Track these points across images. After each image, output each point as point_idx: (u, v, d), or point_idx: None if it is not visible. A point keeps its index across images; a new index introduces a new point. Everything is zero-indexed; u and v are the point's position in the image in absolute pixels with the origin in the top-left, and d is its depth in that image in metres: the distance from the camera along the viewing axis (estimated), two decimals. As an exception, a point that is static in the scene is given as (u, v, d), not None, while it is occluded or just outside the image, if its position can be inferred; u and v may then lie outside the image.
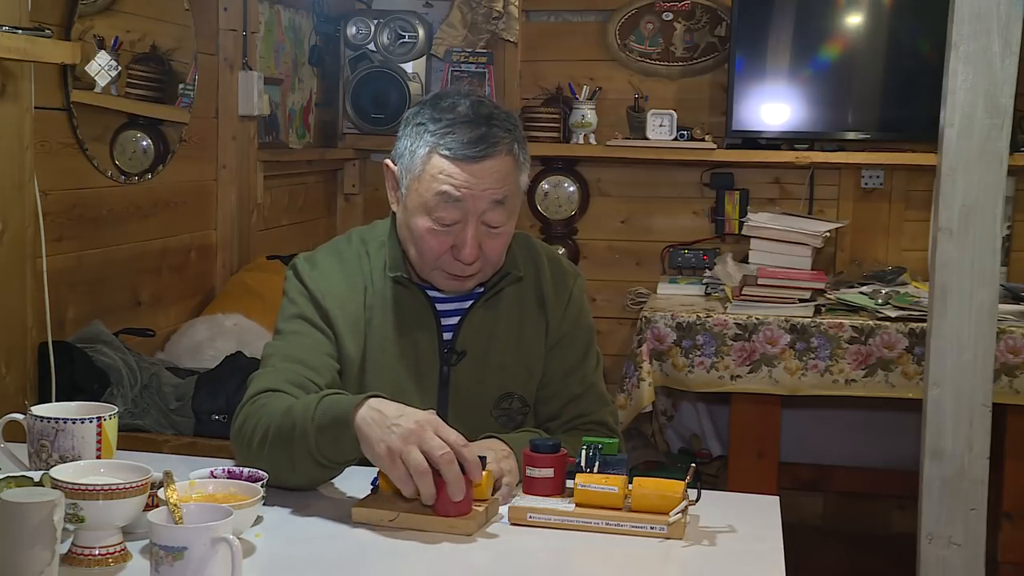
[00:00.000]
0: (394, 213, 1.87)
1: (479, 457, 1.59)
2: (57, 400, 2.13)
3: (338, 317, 1.83)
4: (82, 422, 1.58)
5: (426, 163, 1.75)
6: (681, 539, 1.53)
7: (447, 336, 1.86)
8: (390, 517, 1.55)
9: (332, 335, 1.83)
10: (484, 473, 1.58)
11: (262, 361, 1.85)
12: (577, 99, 3.97)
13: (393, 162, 1.83)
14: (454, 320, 1.87)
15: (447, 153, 1.73)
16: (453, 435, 1.53)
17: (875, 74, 3.85)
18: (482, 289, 1.87)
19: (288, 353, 1.80)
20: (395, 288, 1.86)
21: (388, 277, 1.86)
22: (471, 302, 1.87)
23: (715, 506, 1.64)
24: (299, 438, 1.61)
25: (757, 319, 3.31)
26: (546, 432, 1.89)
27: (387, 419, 1.54)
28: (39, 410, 1.62)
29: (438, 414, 1.64)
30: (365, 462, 1.60)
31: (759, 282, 3.38)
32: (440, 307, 1.87)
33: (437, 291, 1.86)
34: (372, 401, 1.57)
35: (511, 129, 1.78)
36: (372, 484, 1.63)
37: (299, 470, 1.64)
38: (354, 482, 1.73)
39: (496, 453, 1.69)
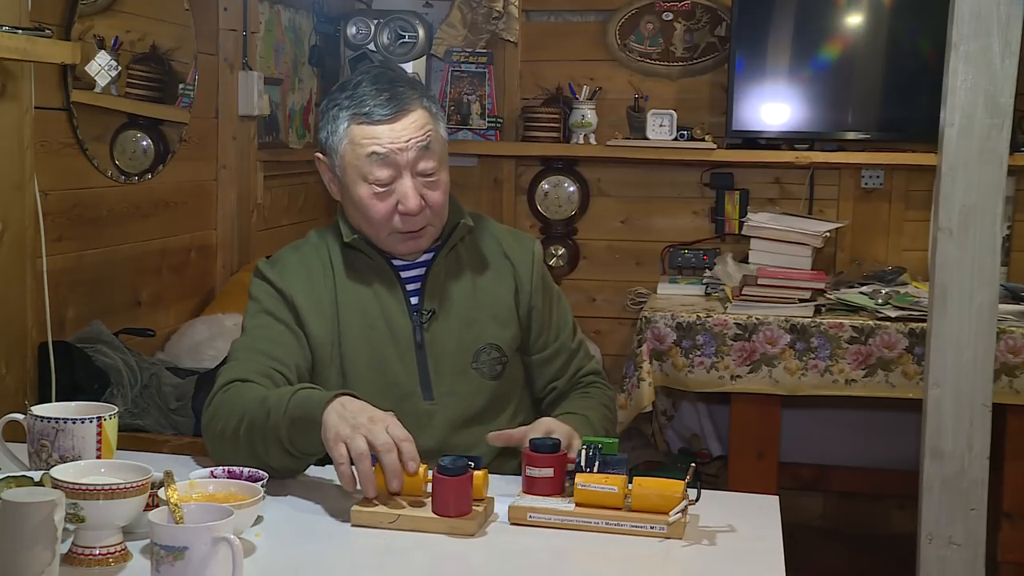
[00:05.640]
0: (340, 204, 1.96)
1: (473, 457, 1.59)
2: (57, 400, 2.13)
3: (304, 305, 1.89)
4: (82, 422, 1.58)
5: (350, 136, 1.86)
6: (681, 539, 1.53)
7: (414, 300, 1.93)
8: (390, 519, 1.55)
9: (297, 326, 1.89)
10: (480, 474, 1.59)
11: (228, 356, 1.92)
12: (577, 99, 3.97)
13: (323, 153, 1.92)
14: (418, 283, 1.94)
15: (364, 119, 1.84)
16: (400, 432, 1.59)
17: (875, 74, 3.85)
18: (437, 246, 1.95)
19: (253, 346, 1.87)
20: (355, 260, 1.93)
21: (347, 249, 1.93)
22: (430, 257, 1.94)
23: (715, 506, 1.64)
24: (272, 428, 1.68)
25: (757, 319, 3.31)
26: (554, 391, 2.01)
27: (347, 411, 1.61)
28: (39, 410, 1.62)
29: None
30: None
31: (759, 282, 3.38)
32: (403, 273, 1.94)
33: (397, 257, 1.94)
34: (342, 398, 1.65)
35: (416, 87, 1.90)
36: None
37: (271, 457, 1.70)
38: (354, 482, 1.74)
39: (563, 429, 1.75)
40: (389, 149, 1.83)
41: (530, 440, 1.68)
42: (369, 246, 1.93)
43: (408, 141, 1.84)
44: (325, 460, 1.83)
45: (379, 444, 1.56)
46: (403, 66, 3.96)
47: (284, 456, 1.70)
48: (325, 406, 1.62)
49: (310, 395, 1.69)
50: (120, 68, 2.75)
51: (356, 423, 1.59)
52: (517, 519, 1.58)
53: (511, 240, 2.03)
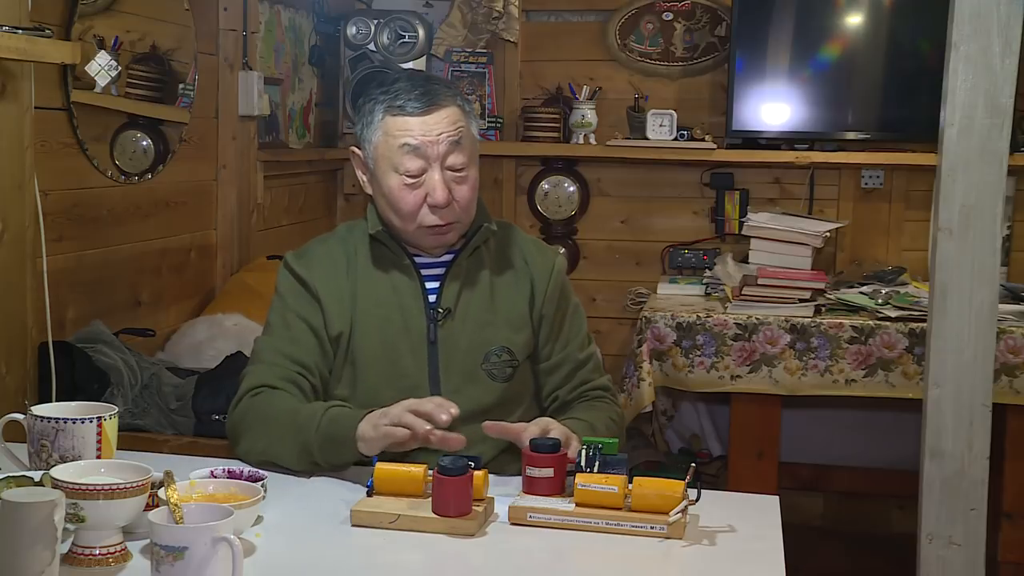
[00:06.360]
0: (371, 198, 2.00)
1: (473, 457, 1.59)
2: (57, 400, 2.13)
3: (326, 296, 1.94)
4: (82, 422, 1.58)
5: (384, 127, 1.91)
6: (681, 539, 1.54)
7: (432, 298, 1.96)
8: (391, 519, 1.55)
9: (320, 319, 1.94)
10: (480, 474, 1.59)
11: (253, 355, 1.98)
12: (577, 99, 3.97)
13: (358, 147, 1.97)
14: (437, 281, 1.97)
15: (398, 111, 1.90)
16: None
17: (875, 74, 3.85)
18: (460, 247, 1.98)
19: (278, 348, 1.93)
20: (379, 253, 1.97)
21: (372, 242, 1.97)
22: (451, 258, 1.98)
23: (715, 506, 1.64)
24: (303, 443, 1.77)
25: (757, 319, 3.31)
26: (556, 400, 2.01)
27: (373, 416, 1.73)
28: (39, 410, 1.62)
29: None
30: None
31: (759, 282, 3.38)
32: (424, 271, 1.97)
33: (419, 252, 1.97)
34: (368, 415, 1.75)
35: (451, 86, 1.97)
36: (367, 486, 1.63)
37: (299, 466, 1.80)
38: (353, 482, 1.74)
39: (560, 429, 1.78)
40: (421, 141, 1.88)
41: (530, 440, 1.69)
42: (392, 240, 1.97)
43: (440, 135, 1.88)
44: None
45: (412, 406, 1.67)
46: (403, 66, 3.96)
47: (313, 467, 1.80)
48: (356, 425, 1.73)
49: (341, 413, 1.79)
50: (120, 68, 2.75)
51: (386, 413, 1.71)
52: (517, 519, 1.59)
53: (534, 250, 2.07)
